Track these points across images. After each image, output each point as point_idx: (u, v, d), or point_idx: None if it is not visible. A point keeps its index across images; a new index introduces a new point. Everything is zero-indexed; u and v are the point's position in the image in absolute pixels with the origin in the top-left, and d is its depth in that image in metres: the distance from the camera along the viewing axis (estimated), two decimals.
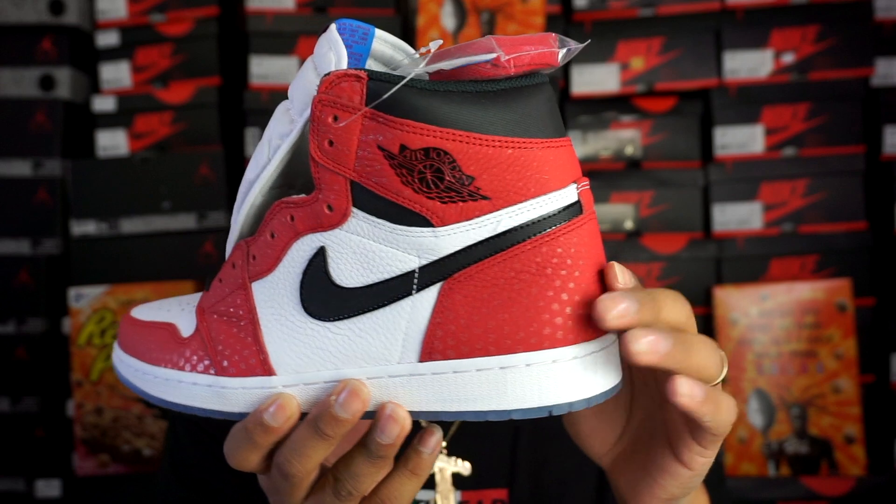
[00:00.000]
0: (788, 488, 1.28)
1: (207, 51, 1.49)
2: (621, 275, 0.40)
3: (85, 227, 1.44)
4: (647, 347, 0.39)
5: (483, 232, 0.39)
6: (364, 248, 0.40)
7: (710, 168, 1.41)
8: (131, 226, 1.45)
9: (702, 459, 0.44)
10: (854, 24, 1.39)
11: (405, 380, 0.41)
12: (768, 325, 1.34)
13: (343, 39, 0.40)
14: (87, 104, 1.52)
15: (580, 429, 0.50)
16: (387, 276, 0.40)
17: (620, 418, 0.49)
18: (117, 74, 1.50)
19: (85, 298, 1.37)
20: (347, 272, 0.40)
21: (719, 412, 0.42)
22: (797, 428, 1.32)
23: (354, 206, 0.39)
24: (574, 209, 0.40)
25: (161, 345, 0.46)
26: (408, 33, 1.50)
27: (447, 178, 0.38)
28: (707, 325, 1.37)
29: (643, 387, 0.49)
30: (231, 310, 0.43)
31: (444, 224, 0.39)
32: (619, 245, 1.40)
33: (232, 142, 1.50)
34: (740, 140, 1.41)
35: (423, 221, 0.39)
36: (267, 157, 0.42)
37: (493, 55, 0.38)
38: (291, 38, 1.45)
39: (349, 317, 0.41)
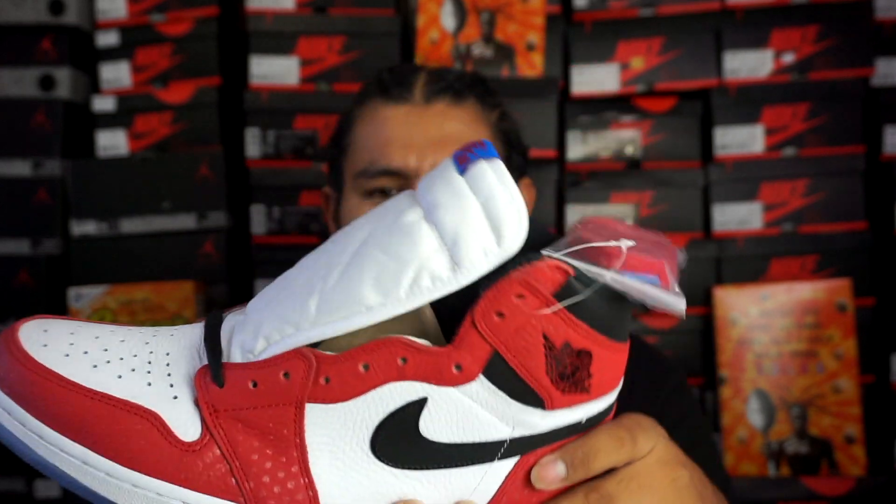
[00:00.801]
0: (788, 488, 1.28)
1: (207, 51, 1.49)
2: (538, 480, 0.42)
3: (85, 227, 1.44)
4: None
5: (573, 418, 0.41)
6: (468, 411, 0.39)
7: (710, 168, 1.41)
8: (131, 226, 1.45)
9: None
10: (854, 24, 1.39)
11: None
12: (768, 325, 1.34)
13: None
14: (87, 104, 1.52)
15: None
16: (479, 439, 0.40)
17: None
18: (117, 74, 1.50)
19: (85, 298, 1.37)
20: (440, 427, 0.39)
21: None
22: (797, 428, 1.32)
23: (483, 373, 0.39)
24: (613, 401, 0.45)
25: (144, 444, 0.37)
26: (407, 33, 1.50)
27: (578, 375, 0.40)
28: (707, 325, 1.37)
29: None
30: (270, 425, 0.38)
31: (553, 408, 0.40)
32: None
33: (232, 142, 1.50)
34: (740, 140, 1.41)
35: (539, 402, 0.40)
36: (405, 290, 0.38)
37: (679, 301, 0.38)
38: (291, 38, 1.45)
39: (425, 468, 0.40)
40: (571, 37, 1.45)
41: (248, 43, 1.46)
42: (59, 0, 1.48)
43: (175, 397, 0.38)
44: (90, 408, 0.37)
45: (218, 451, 0.38)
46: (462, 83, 0.85)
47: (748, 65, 1.41)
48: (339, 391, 0.38)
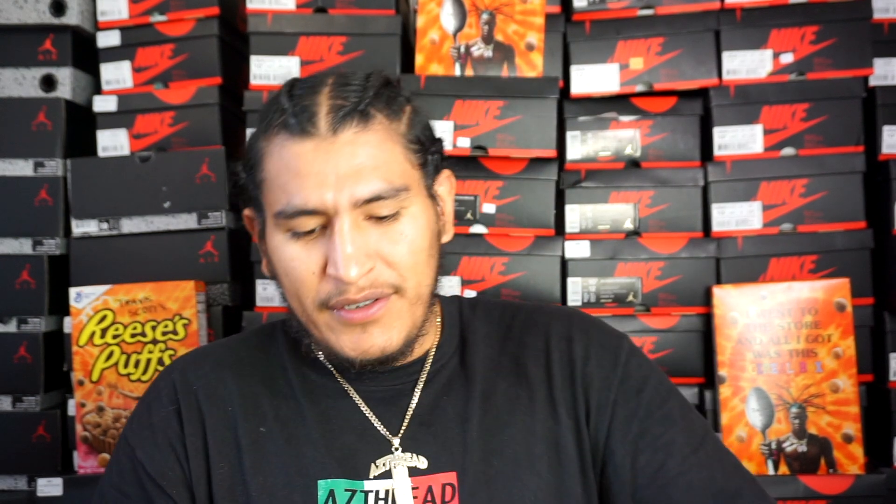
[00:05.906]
0: (787, 487, 1.28)
1: (208, 51, 1.49)
2: None
3: (86, 227, 1.45)
4: None
5: None
6: None
7: (709, 168, 1.41)
8: (132, 225, 1.45)
9: None
10: (852, 24, 1.40)
11: None
12: (767, 325, 1.34)
13: None
14: (88, 104, 1.53)
15: None
16: None
17: None
18: (118, 74, 1.50)
19: (86, 298, 1.37)
20: None
21: None
22: (796, 427, 1.32)
23: None
24: None
25: None
26: (407, 33, 1.51)
27: None
28: (706, 324, 1.38)
29: None
30: None
31: None
32: (619, 245, 1.40)
33: (233, 142, 1.50)
34: (739, 140, 1.41)
35: None
36: None
37: None
38: (291, 38, 1.45)
39: None
40: (571, 37, 1.45)
41: (248, 43, 1.46)
42: (60, 1, 1.49)
43: None
44: None
45: None
46: (366, 98, 0.80)
47: (747, 65, 1.41)
48: None
